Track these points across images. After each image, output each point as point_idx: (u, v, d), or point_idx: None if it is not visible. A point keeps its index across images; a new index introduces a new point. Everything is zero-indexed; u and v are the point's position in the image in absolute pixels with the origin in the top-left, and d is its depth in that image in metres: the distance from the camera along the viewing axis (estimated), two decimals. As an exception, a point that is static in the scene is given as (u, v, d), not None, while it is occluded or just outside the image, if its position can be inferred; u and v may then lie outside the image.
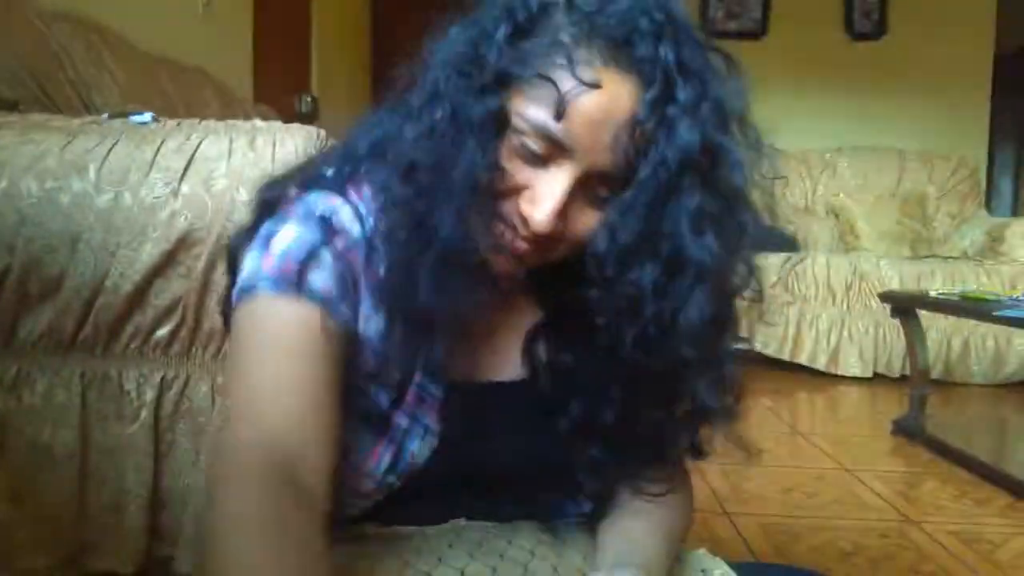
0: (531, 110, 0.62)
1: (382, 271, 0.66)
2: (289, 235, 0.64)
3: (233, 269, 0.70)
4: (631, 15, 0.62)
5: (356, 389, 0.69)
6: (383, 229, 0.65)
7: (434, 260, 0.62)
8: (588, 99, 0.61)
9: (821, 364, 3.75)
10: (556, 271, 0.71)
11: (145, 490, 1.13)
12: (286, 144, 1.15)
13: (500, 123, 0.63)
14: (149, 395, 1.13)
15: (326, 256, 0.64)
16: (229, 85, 2.72)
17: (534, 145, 0.63)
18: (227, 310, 0.72)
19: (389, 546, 0.72)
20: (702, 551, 0.81)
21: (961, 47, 4.86)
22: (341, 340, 0.65)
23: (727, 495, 2.04)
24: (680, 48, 0.62)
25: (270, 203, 0.69)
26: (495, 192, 0.63)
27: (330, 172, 0.71)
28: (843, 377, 3.74)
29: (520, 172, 0.64)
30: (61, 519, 1.11)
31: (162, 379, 1.14)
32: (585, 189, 0.64)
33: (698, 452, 0.77)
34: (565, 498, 0.77)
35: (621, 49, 0.61)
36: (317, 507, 0.59)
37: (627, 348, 0.66)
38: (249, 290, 0.64)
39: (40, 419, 1.11)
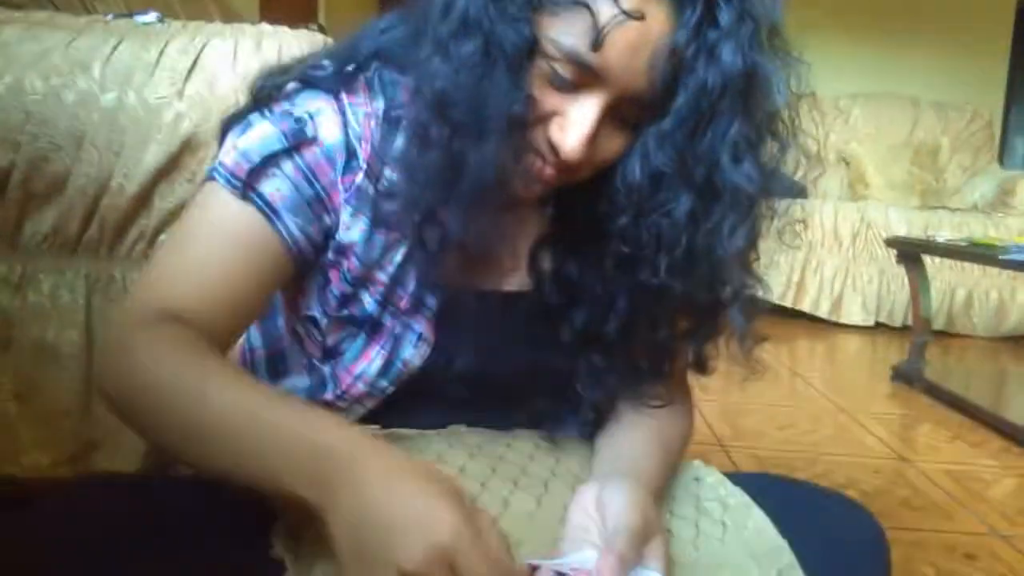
0: (564, 37, 0.59)
1: (359, 178, 0.66)
2: (257, 134, 0.64)
3: (221, 145, 0.70)
4: None
5: (344, 296, 0.69)
6: (413, 162, 0.63)
7: (465, 195, 0.61)
8: (626, 27, 0.58)
9: (824, 312, 3.76)
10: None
11: (149, 392, 1.14)
12: (292, 48, 1.13)
13: (531, 50, 0.60)
14: (153, 298, 1.14)
15: (286, 165, 0.64)
16: (235, 9, 2.67)
17: (566, 72, 0.60)
18: None
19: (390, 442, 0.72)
20: (697, 462, 0.82)
21: (983, -4, 4.75)
22: (278, 250, 0.65)
23: (724, 431, 2.06)
24: None
25: (266, 91, 0.68)
26: (525, 122, 0.61)
27: (330, 69, 0.68)
28: (845, 325, 3.75)
29: (549, 99, 0.62)
30: (66, 417, 1.12)
31: (166, 283, 1.14)
32: (615, 113, 0.63)
33: (702, 367, 0.76)
34: (566, 409, 0.78)
35: None
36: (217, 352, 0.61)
37: (656, 273, 0.65)
38: (209, 175, 0.65)
39: (45, 318, 1.12)
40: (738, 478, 0.78)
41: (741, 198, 0.63)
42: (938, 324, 3.61)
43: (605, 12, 0.58)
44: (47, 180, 1.08)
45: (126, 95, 1.08)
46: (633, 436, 0.75)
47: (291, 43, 1.14)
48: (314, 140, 0.64)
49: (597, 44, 0.58)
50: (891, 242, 2.84)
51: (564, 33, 0.59)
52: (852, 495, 1.66)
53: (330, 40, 1.21)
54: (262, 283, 0.65)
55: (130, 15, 1.18)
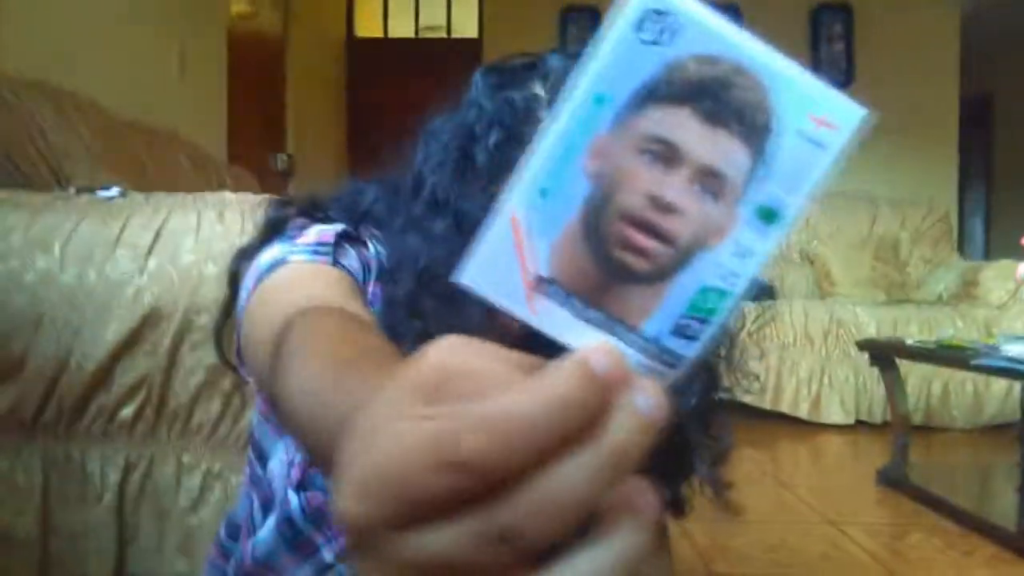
0: None
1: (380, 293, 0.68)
2: (318, 228, 0.66)
3: (234, 286, 0.70)
4: None
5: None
6: (399, 328, 0.65)
7: None
8: None
9: (803, 412, 3.74)
10: None
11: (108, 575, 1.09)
12: (256, 217, 1.14)
13: None
14: (112, 477, 1.10)
15: (351, 251, 0.66)
16: (203, 146, 2.72)
17: None
18: (219, 327, 0.75)
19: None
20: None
21: (927, 93, 4.98)
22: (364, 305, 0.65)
23: (713, 554, 2.00)
24: None
25: (277, 223, 0.70)
26: None
27: (334, 215, 0.72)
28: (825, 425, 3.73)
29: None
30: (20, 609, 1.06)
31: (126, 460, 1.11)
32: None
33: (679, 509, 0.76)
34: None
35: None
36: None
37: None
38: (279, 263, 0.63)
39: (0, 502, 1.07)
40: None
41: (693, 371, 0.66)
42: (917, 419, 3.60)
43: None
44: (5, 361, 1.06)
45: (86, 273, 1.08)
46: None
47: (255, 211, 1.15)
48: (360, 241, 0.68)
49: None
50: (863, 345, 2.86)
51: None
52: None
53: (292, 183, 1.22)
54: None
55: (93, 191, 1.19)
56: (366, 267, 0.68)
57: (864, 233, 4.45)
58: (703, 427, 0.70)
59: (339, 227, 0.67)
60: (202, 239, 1.12)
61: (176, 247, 1.10)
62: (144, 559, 1.10)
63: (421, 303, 0.64)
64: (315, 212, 0.71)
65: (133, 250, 1.09)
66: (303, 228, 0.68)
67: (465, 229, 0.64)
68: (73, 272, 1.07)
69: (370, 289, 0.68)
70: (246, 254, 0.70)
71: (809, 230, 4.45)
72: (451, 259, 0.63)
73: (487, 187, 0.64)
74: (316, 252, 0.64)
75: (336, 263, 0.64)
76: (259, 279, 0.65)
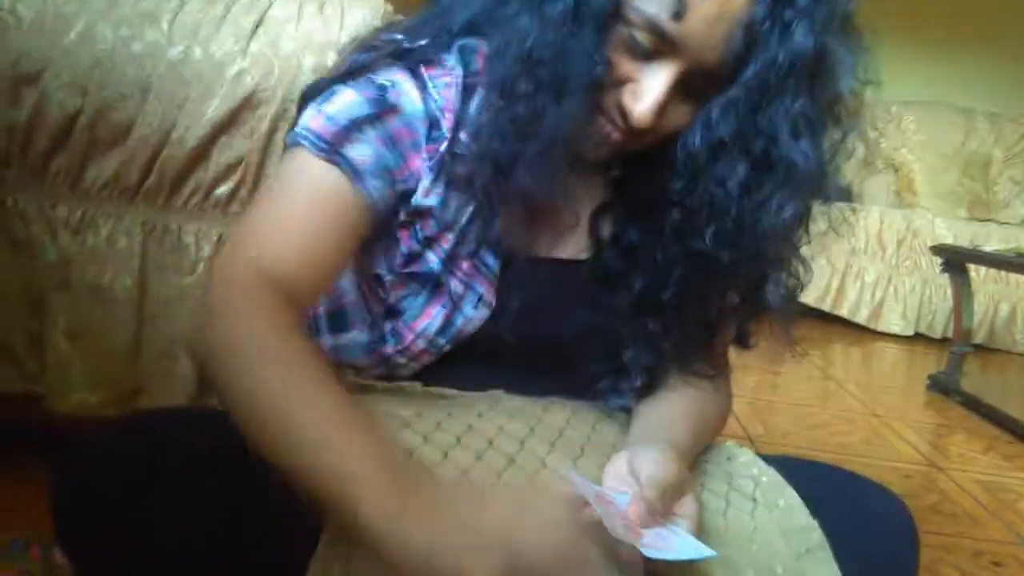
0: (647, 5, 0.61)
1: (443, 147, 0.68)
2: (342, 100, 0.66)
3: (300, 113, 0.72)
4: None
5: (411, 254, 0.71)
6: (485, 117, 0.66)
7: (538, 150, 0.63)
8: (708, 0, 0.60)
9: (862, 318, 3.71)
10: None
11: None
12: (354, 12, 1.15)
13: (614, 15, 0.63)
14: (206, 250, 1.17)
15: (369, 132, 0.66)
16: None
17: (644, 40, 0.63)
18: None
19: (432, 400, 0.74)
20: (730, 442, 0.82)
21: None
22: (361, 210, 0.67)
23: (755, 430, 2.05)
24: None
25: (351, 66, 0.70)
26: (603, 84, 0.64)
27: (420, 44, 0.70)
28: (883, 333, 3.70)
29: (624, 64, 0.64)
30: (116, 360, 1.15)
31: (220, 236, 1.17)
32: (684, 85, 0.65)
33: (744, 342, 0.78)
34: (617, 375, 0.79)
35: None
36: (304, 326, 0.64)
37: (705, 241, 0.67)
38: (294, 141, 0.66)
39: (102, 262, 1.15)
40: (772, 459, 0.79)
41: (794, 174, 0.64)
42: (979, 338, 3.54)
43: None
44: (112, 127, 1.12)
45: (192, 49, 1.11)
46: (669, 406, 0.76)
47: (353, 7, 1.16)
48: (395, 108, 0.67)
49: (679, 15, 0.60)
50: (936, 250, 2.80)
51: (647, 1, 0.61)
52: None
53: (389, 6, 1.22)
54: (346, 241, 0.67)
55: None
56: (393, 141, 0.67)
57: (955, 146, 4.25)
58: (789, 246, 0.70)
59: (357, 109, 0.66)
60: (302, 29, 1.13)
61: (278, 34, 1.13)
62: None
63: (521, 86, 0.63)
64: (399, 51, 0.70)
65: (236, 32, 1.12)
66: (353, 79, 0.67)
67: (581, 16, 0.62)
68: (179, 47, 1.10)
69: (424, 151, 0.68)
70: (314, 89, 0.70)
71: (899, 136, 4.27)
72: (561, 45, 0.62)
73: None
74: (318, 147, 0.64)
75: (336, 157, 0.64)
76: (287, 143, 0.68)
